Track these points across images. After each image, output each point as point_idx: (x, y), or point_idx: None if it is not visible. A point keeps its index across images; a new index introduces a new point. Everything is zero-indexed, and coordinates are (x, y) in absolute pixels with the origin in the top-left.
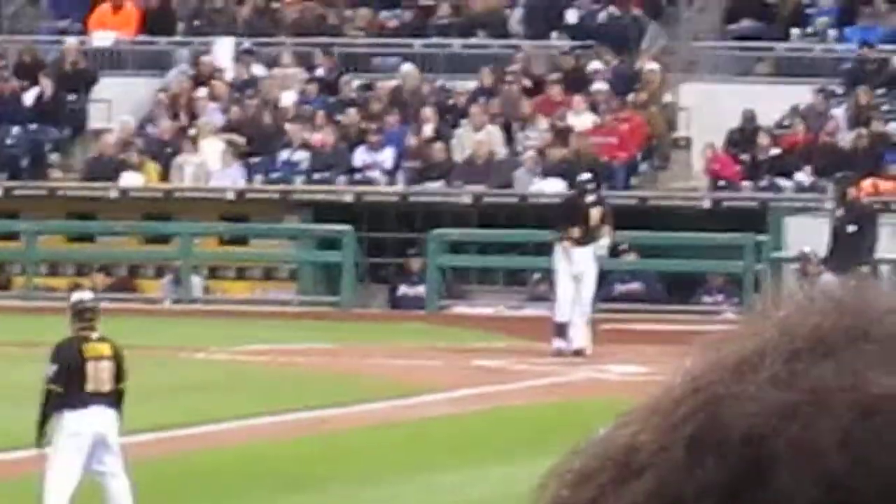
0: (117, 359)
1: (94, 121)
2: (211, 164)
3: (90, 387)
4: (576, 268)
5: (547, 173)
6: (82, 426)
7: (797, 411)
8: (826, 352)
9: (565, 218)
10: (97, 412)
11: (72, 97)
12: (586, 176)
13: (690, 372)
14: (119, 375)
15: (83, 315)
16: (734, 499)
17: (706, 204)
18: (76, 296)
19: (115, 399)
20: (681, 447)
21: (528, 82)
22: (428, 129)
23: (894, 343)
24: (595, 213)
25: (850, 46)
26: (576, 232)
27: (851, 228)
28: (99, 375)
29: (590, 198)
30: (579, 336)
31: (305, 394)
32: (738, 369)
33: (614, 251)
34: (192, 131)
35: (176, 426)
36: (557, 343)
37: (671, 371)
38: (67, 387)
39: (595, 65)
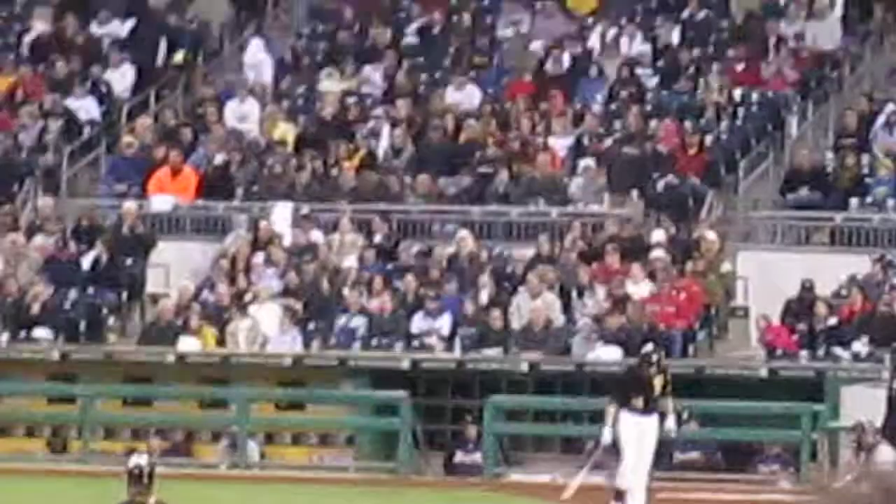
0: None
1: (152, 285)
2: (268, 330)
3: None
4: (638, 436)
5: (604, 341)
6: None
7: None
8: None
9: (628, 387)
10: None
11: (129, 261)
12: (650, 347)
13: None
14: None
15: (139, 479)
16: None
17: (763, 373)
18: (132, 460)
19: None
20: None
21: (585, 249)
22: (485, 296)
23: None
24: (658, 382)
25: None
26: (639, 402)
27: None
28: None
29: (652, 368)
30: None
31: None
32: None
33: (677, 419)
34: (248, 296)
35: None
36: None
37: None
38: None
39: (654, 233)
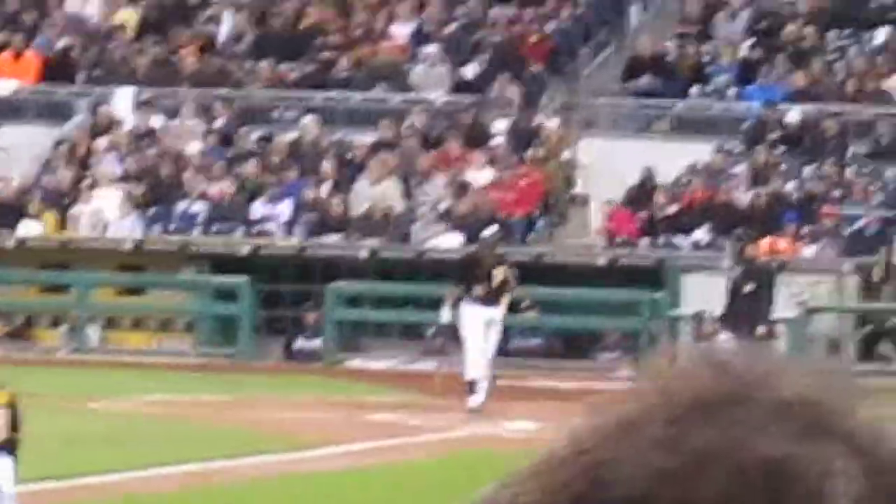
0: (13, 407)
1: None
2: (109, 214)
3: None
4: (481, 327)
5: (444, 228)
6: None
7: (677, 474)
8: (706, 416)
9: (468, 273)
10: None
11: None
12: (492, 230)
13: (574, 434)
14: (14, 424)
15: None
16: None
17: (602, 261)
18: None
19: (10, 447)
20: None
21: (426, 136)
22: (326, 183)
23: (774, 406)
24: (498, 273)
25: (750, 105)
26: (479, 290)
27: (748, 287)
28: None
29: (495, 253)
30: (479, 393)
31: (199, 445)
32: (619, 433)
33: (516, 307)
34: (88, 181)
35: (69, 476)
36: (472, 400)
37: (555, 434)
38: None
39: (495, 121)
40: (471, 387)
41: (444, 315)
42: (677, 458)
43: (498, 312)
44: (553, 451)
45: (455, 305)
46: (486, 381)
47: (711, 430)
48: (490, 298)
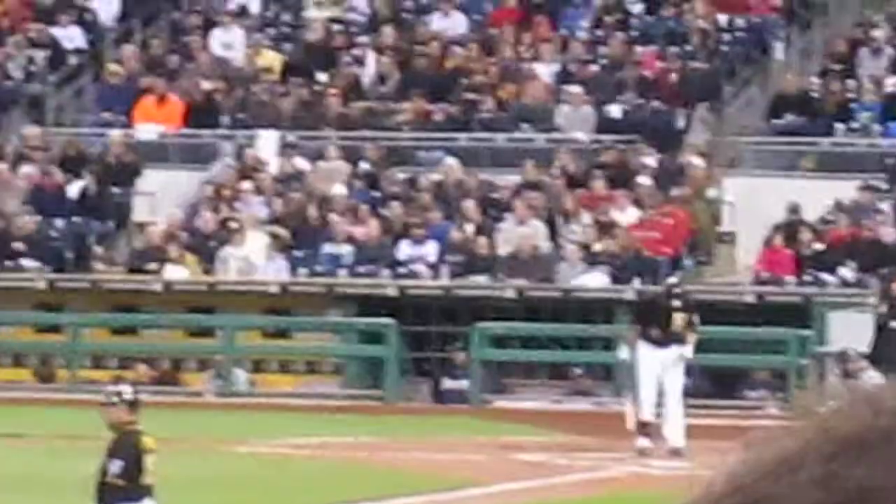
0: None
1: (139, 213)
2: (255, 258)
3: (147, 479)
4: (655, 368)
5: (590, 268)
6: None
7: None
8: (863, 453)
9: (646, 315)
10: None
11: (116, 190)
12: (674, 280)
13: (731, 471)
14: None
15: (138, 407)
16: None
17: (750, 298)
18: (126, 387)
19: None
20: None
21: (572, 176)
22: (471, 223)
23: None
24: (679, 319)
25: (894, 141)
26: (656, 332)
27: (895, 324)
28: (151, 468)
29: (676, 302)
30: (675, 434)
31: (348, 487)
32: (777, 470)
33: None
34: (235, 224)
35: None
36: (642, 442)
37: (712, 470)
38: (130, 481)
39: (639, 159)
40: (642, 427)
41: (623, 353)
42: (835, 496)
43: (674, 354)
44: (710, 488)
45: (633, 345)
46: (682, 423)
47: (869, 467)
48: (665, 341)
